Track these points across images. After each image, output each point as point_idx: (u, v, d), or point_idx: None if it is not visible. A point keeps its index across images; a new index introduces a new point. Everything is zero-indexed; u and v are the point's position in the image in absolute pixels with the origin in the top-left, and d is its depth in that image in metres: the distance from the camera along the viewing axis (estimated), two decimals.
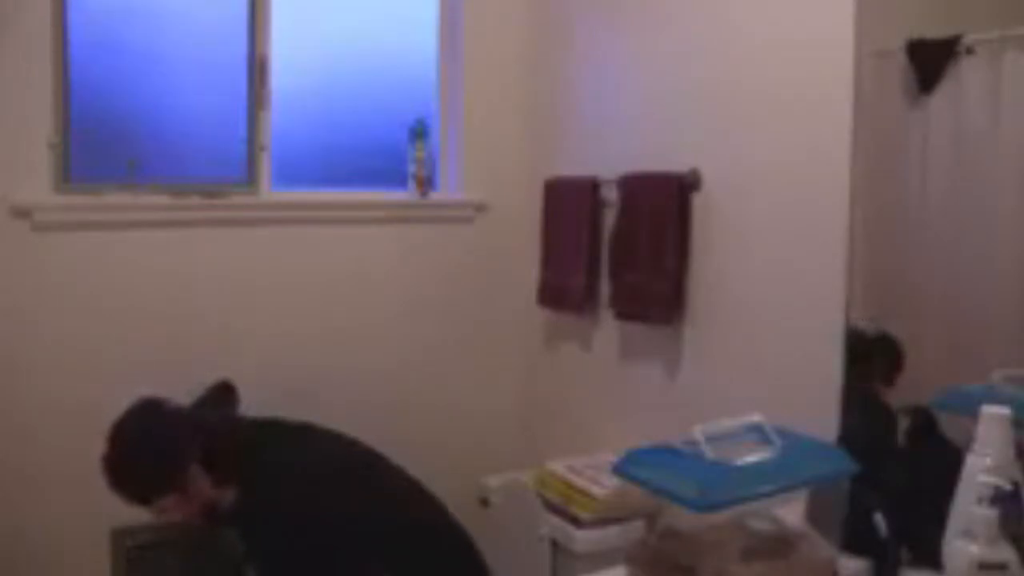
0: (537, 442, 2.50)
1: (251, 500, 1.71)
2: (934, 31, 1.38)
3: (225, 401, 1.95)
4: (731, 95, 1.85)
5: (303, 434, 1.88)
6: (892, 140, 1.48)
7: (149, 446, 1.71)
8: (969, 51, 1.33)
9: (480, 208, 2.54)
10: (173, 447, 1.72)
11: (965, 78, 1.34)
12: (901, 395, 1.44)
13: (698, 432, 1.22)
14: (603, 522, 1.91)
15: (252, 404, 2.24)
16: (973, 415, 1.07)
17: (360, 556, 1.69)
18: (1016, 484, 1.02)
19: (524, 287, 2.50)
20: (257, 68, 2.26)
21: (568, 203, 2.32)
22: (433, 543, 1.84)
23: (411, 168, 2.46)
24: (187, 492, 1.71)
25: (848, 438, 1.42)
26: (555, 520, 1.98)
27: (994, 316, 1.34)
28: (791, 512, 1.28)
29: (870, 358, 1.49)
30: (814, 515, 1.30)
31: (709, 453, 1.20)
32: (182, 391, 2.16)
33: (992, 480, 1.01)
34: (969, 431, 1.07)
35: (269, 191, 2.31)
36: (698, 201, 1.93)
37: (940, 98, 1.38)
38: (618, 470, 1.30)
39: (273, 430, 1.87)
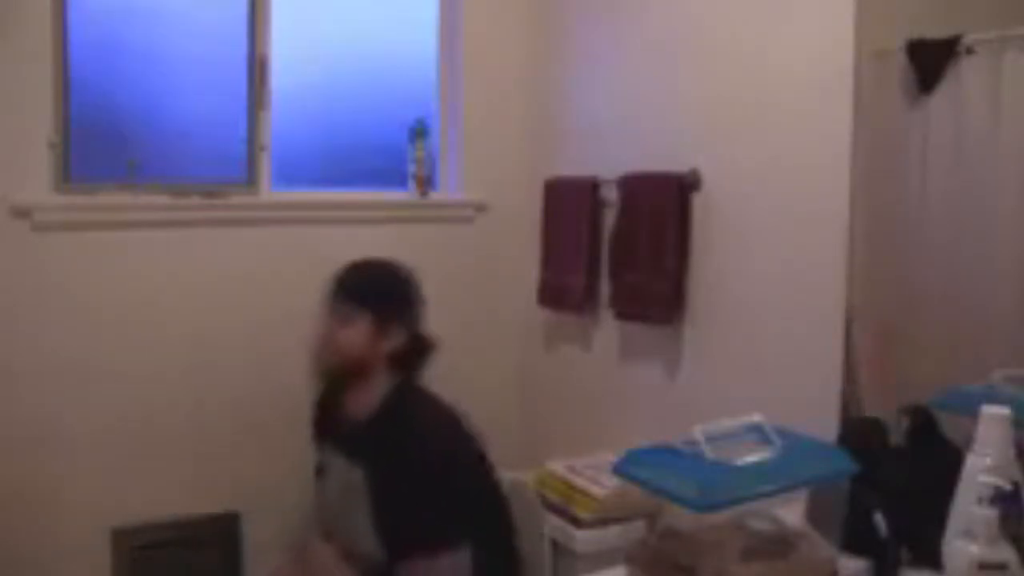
0: (537, 442, 2.50)
1: (406, 418, 1.70)
2: (934, 31, 1.38)
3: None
4: (731, 95, 1.85)
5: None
6: (892, 140, 1.48)
7: (396, 274, 1.82)
8: (969, 51, 1.33)
9: (480, 208, 2.53)
10: (412, 292, 1.81)
11: (965, 78, 1.34)
12: (901, 395, 1.44)
13: (698, 432, 1.22)
14: (603, 522, 1.91)
15: (252, 402, 2.25)
16: (973, 415, 1.07)
17: (459, 519, 1.64)
18: (1016, 484, 1.02)
19: (524, 287, 2.50)
20: (257, 68, 2.26)
21: (568, 203, 2.32)
22: (507, 526, 1.83)
23: (411, 168, 2.46)
24: (380, 330, 1.72)
25: None
26: (555, 520, 1.98)
27: (994, 316, 1.34)
28: (791, 512, 1.28)
29: None
30: (814, 515, 1.30)
31: (709, 453, 1.20)
32: (182, 391, 2.17)
33: (992, 480, 1.01)
34: (969, 431, 1.07)
35: (269, 191, 2.31)
36: (698, 201, 1.93)
37: (940, 98, 1.38)
38: (618, 470, 1.30)
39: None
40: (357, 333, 1.72)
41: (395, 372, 1.75)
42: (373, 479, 1.66)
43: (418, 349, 1.79)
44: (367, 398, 1.73)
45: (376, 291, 1.78)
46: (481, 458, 1.75)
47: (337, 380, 1.80)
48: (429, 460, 1.62)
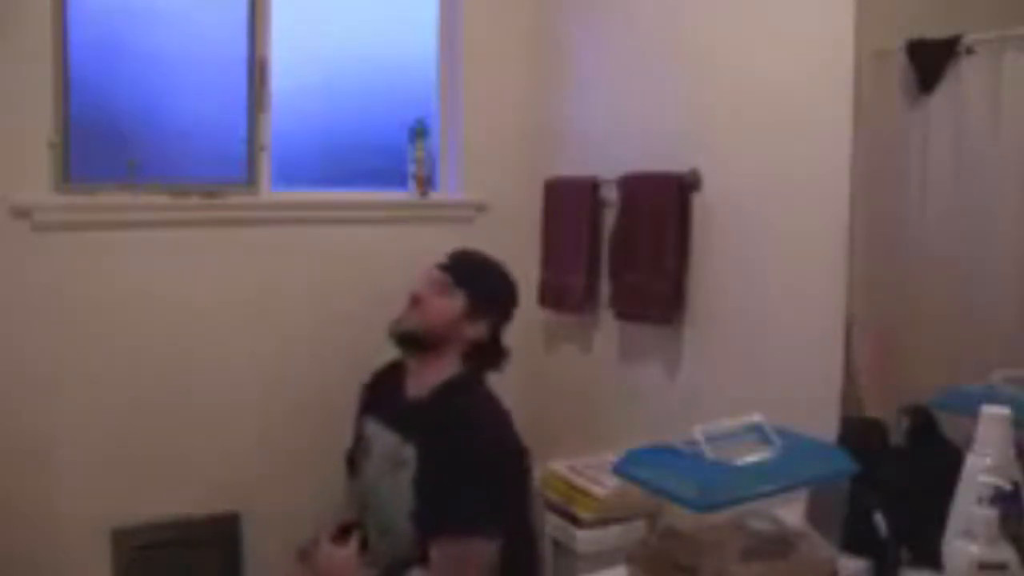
0: (537, 442, 2.49)
1: (465, 402, 1.77)
2: (934, 31, 1.38)
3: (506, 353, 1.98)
4: (731, 95, 1.85)
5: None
6: (892, 140, 1.48)
7: (501, 272, 1.94)
8: (969, 51, 1.33)
9: (480, 208, 2.53)
10: (514, 294, 1.95)
11: (965, 78, 1.34)
12: (901, 395, 1.44)
13: (698, 432, 1.22)
14: (604, 522, 1.91)
15: (252, 402, 2.25)
16: (973, 415, 1.07)
17: (495, 511, 1.68)
18: (1016, 484, 1.02)
19: (524, 287, 2.49)
20: (257, 69, 2.26)
21: (568, 203, 2.32)
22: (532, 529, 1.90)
23: (411, 168, 2.46)
24: (471, 315, 1.83)
25: None
26: (555, 520, 1.98)
27: (994, 316, 1.34)
28: (791, 512, 1.28)
29: None
30: (814, 515, 1.30)
31: (709, 453, 1.20)
32: (182, 391, 2.17)
33: (992, 480, 1.01)
34: (969, 431, 1.07)
35: (269, 191, 2.31)
36: (698, 201, 1.93)
37: (940, 98, 1.38)
38: (618, 470, 1.30)
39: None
40: (448, 306, 1.81)
41: (465, 361, 1.83)
42: (425, 456, 1.70)
43: (493, 350, 1.87)
44: (431, 378, 1.79)
45: (481, 279, 1.88)
46: (524, 461, 1.79)
47: (398, 359, 1.88)
48: (481, 448, 1.68)
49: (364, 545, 1.79)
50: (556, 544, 1.98)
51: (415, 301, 1.83)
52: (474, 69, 2.51)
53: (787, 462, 1.23)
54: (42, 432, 2.03)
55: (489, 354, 1.87)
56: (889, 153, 1.49)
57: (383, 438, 1.80)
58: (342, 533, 1.80)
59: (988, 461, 1.03)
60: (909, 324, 1.47)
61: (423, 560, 1.65)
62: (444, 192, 2.54)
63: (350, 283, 2.36)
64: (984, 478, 1.01)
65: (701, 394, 1.92)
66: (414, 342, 1.83)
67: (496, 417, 1.78)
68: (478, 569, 1.64)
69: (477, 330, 1.84)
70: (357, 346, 2.37)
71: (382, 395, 1.92)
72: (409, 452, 1.72)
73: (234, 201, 2.24)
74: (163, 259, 2.14)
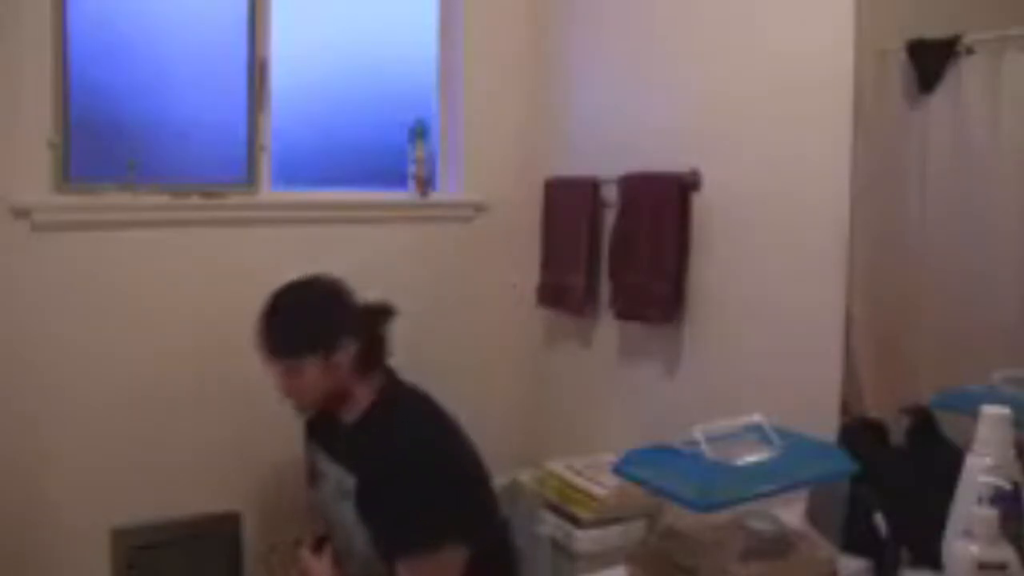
0: (537, 442, 2.50)
1: (388, 419, 1.67)
2: (934, 31, 1.38)
3: (385, 315, 1.82)
4: (731, 95, 1.85)
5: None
6: (892, 140, 1.48)
7: (311, 298, 1.73)
8: (969, 51, 1.33)
9: (480, 208, 2.53)
10: (332, 306, 1.72)
11: (965, 78, 1.34)
12: (901, 395, 1.44)
13: (698, 432, 1.22)
14: (603, 522, 1.91)
15: (252, 401, 2.25)
16: (973, 415, 1.07)
17: (456, 520, 1.61)
18: (1016, 484, 1.01)
19: (524, 287, 2.50)
20: (257, 69, 2.26)
21: (568, 203, 2.33)
22: (501, 527, 1.82)
23: (411, 168, 2.46)
24: (330, 362, 1.66)
25: None
26: (555, 520, 1.98)
27: (994, 316, 1.34)
28: (791, 512, 1.28)
29: None
30: (814, 515, 1.30)
31: (709, 453, 1.20)
32: (182, 390, 2.17)
33: (992, 480, 1.01)
34: (969, 431, 1.07)
35: (269, 191, 2.31)
36: (698, 201, 1.93)
37: (940, 98, 1.38)
38: (618, 470, 1.30)
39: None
40: (311, 379, 1.67)
41: (371, 376, 1.72)
42: (361, 484, 1.64)
43: (375, 340, 1.74)
44: (355, 406, 1.72)
45: (300, 334, 1.68)
46: (465, 451, 1.73)
47: (332, 408, 1.75)
48: (407, 459, 1.60)
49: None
50: (555, 544, 1.98)
51: (288, 394, 1.72)
52: (474, 69, 2.51)
53: (787, 462, 1.23)
54: (42, 432, 2.03)
55: (376, 347, 1.74)
56: (889, 153, 1.49)
57: (331, 470, 1.76)
58: (319, 544, 1.80)
59: (988, 461, 1.03)
60: (909, 324, 1.47)
61: None
62: (444, 192, 2.54)
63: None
64: (984, 478, 1.01)
65: (701, 394, 1.92)
66: (324, 408, 1.74)
67: (418, 418, 1.70)
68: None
69: (346, 357, 1.68)
70: None
71: (325, 425, 1.83)
72: (350, 482, 1.67)
73: (234, 201, 2.24)
74: (163, 259, 2.14)
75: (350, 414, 1.72)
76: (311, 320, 1.71)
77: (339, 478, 1.71)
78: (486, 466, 1.77)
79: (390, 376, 1.77)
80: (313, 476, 1.86)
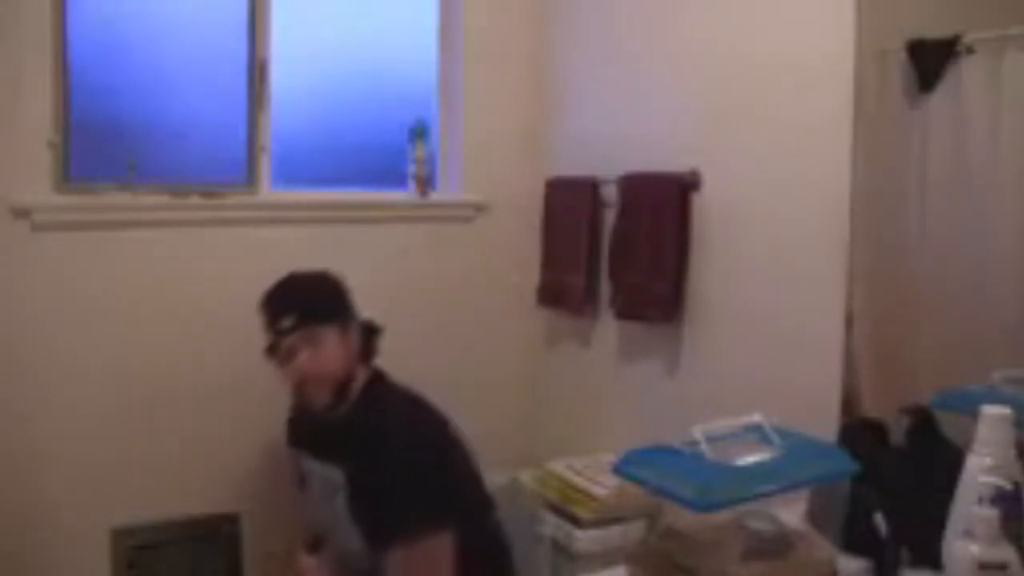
0: (537, 442, 2.50)
1: (380, 409, 1.71)
2: (934, 31, 1.38)
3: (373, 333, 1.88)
4: (732, 95, 1.85)
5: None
6: (892, 139, 1.48)
7: (328, 278, 1.80)
8: (969, 51, 1.33)
9: (480, 208, 2.53)
10: (345, 288, 1.80)
11: (965, 78, 1.34)
12: (901, 395, 1.44)
13: (698, 432, 1.22)
14: (603, 522, 1.91)
15: (253, 401, 2.25)
16: (973, 415, 1.07)
17: (447, 507, 1.63)
18: (1016, 484, 1.01)
19: (524, 287, 2.50)
20: (257, 70, 2.26)
21: (568, 203, 2.33)
22: (492, 521, 1.83)
23: (411, 168, 2.46)
24: (345, 335, 1.71)
25: None
26: (555, 520, 1.98)
27: (994, 316, 1.34)
28: (791, 512, 1.28)
29: None
30: (814, 515, 1.30)
31: (709, 453, 1.20)
32: (182, 390, 2.17)
33: (992, 480, 1.01)
34: (969, 431, 1.07)
35: (269, 191, 2.31)
36: (698, 201, 1.93)
37: (940, 98, 1.38)
38: (618, 470, 1.30)
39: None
40: (329, 349, 1.69)
41: (363, 367, 1.77)
42: (351, 476, 1.65)
43: (370, 333, 1.80)
44: (347, 397, 1.73)
45: (323, 301, 1.75)
46: (454, 441, 1.74)
47: (306, 393, 1.75)
48: (404, 446, 1.62)
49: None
50: (555, 544, 1.97)
51: (306, 373, 1.69)
52: (474, 70, 2.51)
53: (787, 462, 1.23)
54: (41, 431, 2.03)
55: (371, 340, 1.80)
56: (889, 152, 1.49)
57: (317, 470, 1.77)
58: (315, 544, 1.80)
59: (988, 461, 1.03)
60: (909, 324, 1.47)
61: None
62: (444, 192, 2.54)
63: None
64: (984, 478, 1.01)
65: (701, 394, 1.92)
66: (336, 394, 1.73)
67: (407, 407, 1.73)
68: (441, 563, 1.59)
69: (356, 335, 1.75)
70: None
71: (306, 426, 1.86)
72: (339, 476, 1.68)
73: (234, 201, 2.24)
74: (163, 259, 2.14)
75: (337, 410, 1.72)
76: (331, 293, 1.78)
77: (327, 475, 1.72)
78: (476, 464, 1.79)
79: (379, 373, 1.81)
80: (301, 479, 1.87)
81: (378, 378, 1.79)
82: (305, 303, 1.72)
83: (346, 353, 1.72)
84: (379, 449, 1.61)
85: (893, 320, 1.51)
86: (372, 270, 2.39)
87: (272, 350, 1.72)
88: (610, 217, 2.17)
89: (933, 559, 1.07)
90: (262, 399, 2.25)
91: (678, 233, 1.93)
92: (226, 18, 2.25)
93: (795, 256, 1.70)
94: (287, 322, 1.69)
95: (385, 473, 1.59)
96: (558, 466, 2.08)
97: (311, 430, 1.82)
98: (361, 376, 1.75)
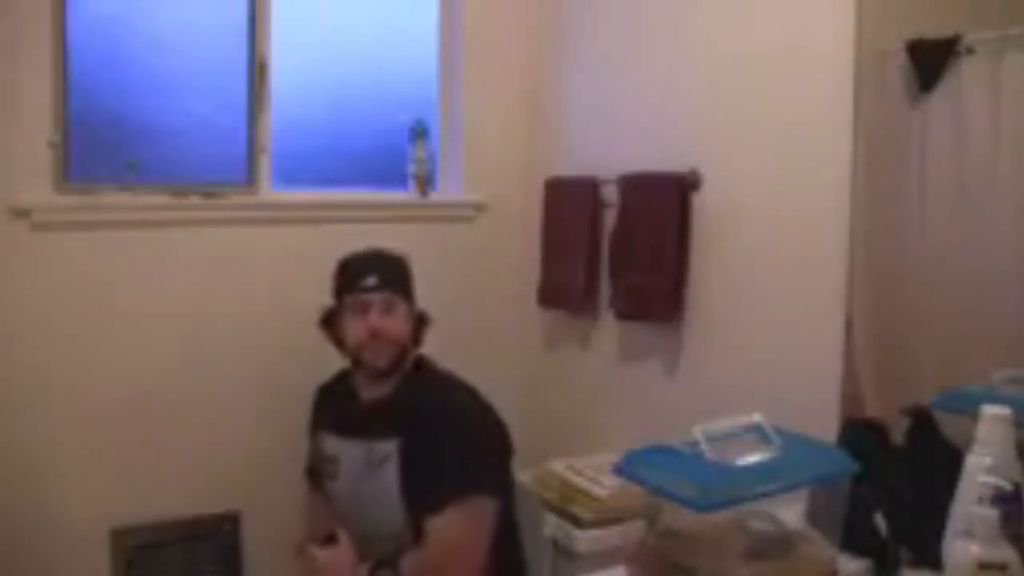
0: (537, 442, 2.49)
1: (433, 381, 1.83)
2: (934, 31, 1.38)
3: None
4: (731, 95, 1.85)
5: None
6: (892, 139, 1.48)
7: (406, 261, 1.92)
8: (969, 51, 1.33)
9: (480, 208, 2.53)
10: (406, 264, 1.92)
11: (965, 78, 1.34)
12: (901, 395, 1.44)
13: (698, 432, 1.22)
14: (603, 522, 1.90)
15: (253, 401, 2.25)
16: (973, 415, 1.07)
17: (496, 473, 1.73)
18: (1016, 484, 1.02)
19: (524, 287, 2.50)
20: (257, 70, 2.26)
21: (568, 203, 2.32)
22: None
23: (411, 168, 2.46)
24: (411, 312, 1.85)
25: None
26: (555, 520, 1.98)
27: (994, 316, 1.34)
28: (791, 512, 1.28)
29: None
30: (814, 515, 1.30)
31: (709, 453, 1.20)
32: (182, 390, 2.17)
33: (992, 480, 1.01)
34: (969, 431, 1.07)
35: (269, 191, 2.30)
36: (698, 201, 1.93)
37: (940, 98, 1.38)
38: (618, 470, 1.30)
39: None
40: (400, 319, 1.82)
41: (415, 347, 1.87)
42: (408, 443, 1.71)
43: (421, 322, 1.90)
44: (398, 369, 1.80)
45: (405, 277, 1.89)
46: (501, 422, 1.80)
47: (346, 369, 1.90)
48: (464, 416, 1.72)
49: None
50: (555, 544, 1.97)
51: (374, 334, 1.79)
52: (474, 69, 2.51)
53: (787, 462, 1.23)
54: (41, 432, 2.03)
55: (420, 331, 1.90)
56: (889, 152, 1.49)
57: (348, 450, 1.80)
58: (329, 540, 1.79)
59: (988, 461, 1.03)
60: (909, 324, 1.47)
61: (416, 541, 1.66)
62: (444, 192, 2.54)
63: None
64: (984, 478, 1.01)
65: (701, 393, 1.92)
66: (395, 363, 1.82)
67: (459, 383, 1.83)
68: (486, 526, 1.66)
69: (415, 315, 1.88)
70: None
71: (335, 408, 1.91)
72: (386, 447, 1.73)
73: (234, 201, 2.24)
74: (163, 259, 2.14)
75: (377, 388, 1.81)
76: (408, 273, 1.91)
77: (366, 452, 1.76)
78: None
79: (425, 357, 1.91)
80: (321, 470, 1.89)
81: (425, 360, 1.90)
82: (390, 272, 1.85)
83: (408, 327, 1.83)
84: (439, 417, 1.70)
85: (893, 320, 1.51)
86: None
87: (345, 309, 1.82)
88: (610, 217, 2.17)
89: (933, 559, 1.07)
90: (263, 398, 2.26)
91: (678, 233, 1.93)
92: (226, 18, 2.24)
93: (795, 255, 1.70)
94: (372, 280, 1.81)
95: (446, 439, 1.66)
96: (558, 466, 2.08)
97: (342, 410, 1.88)
98: (412, 355, 1.85)
